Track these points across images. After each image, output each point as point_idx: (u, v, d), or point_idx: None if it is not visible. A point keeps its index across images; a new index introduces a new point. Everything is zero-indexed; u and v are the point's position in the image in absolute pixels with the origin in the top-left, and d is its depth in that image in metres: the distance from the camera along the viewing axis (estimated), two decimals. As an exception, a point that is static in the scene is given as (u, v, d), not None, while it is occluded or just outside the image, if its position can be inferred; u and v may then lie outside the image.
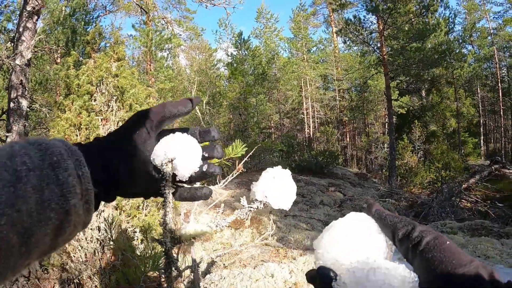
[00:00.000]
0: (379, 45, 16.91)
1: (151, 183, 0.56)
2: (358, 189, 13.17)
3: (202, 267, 4.05)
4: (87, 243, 3.33)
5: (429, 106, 23.93)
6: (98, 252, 3.37)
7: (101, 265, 3.27)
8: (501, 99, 25.13)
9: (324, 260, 0.44)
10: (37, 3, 5.87)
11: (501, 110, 25.67)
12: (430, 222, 8.51)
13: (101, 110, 3.92)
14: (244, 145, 1.29)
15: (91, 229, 3.24)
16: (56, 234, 0.42)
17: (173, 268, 0.59)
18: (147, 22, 15.25)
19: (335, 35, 25.90)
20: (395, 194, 12.50)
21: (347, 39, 18.30)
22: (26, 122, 5.97)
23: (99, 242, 3.37)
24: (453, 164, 15.06)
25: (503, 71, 27.18)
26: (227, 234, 6.17)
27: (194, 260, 1.47)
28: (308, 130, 25.92)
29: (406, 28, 16.39)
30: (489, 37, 26.86)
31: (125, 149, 0.54)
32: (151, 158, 0.55)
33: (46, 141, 0.44)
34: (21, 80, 5.78)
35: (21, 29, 5.86)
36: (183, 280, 2.47)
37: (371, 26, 17.97)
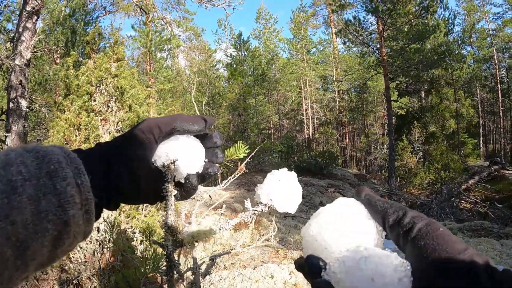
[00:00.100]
0: (378, 46, 16.92)
1: (154, 187, 0.55)
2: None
3: (202, 268, 4.04)
4: (86, 244, 3.32)
5: (428, 107, 23.95)
6: (97, 253, 3.36)
7: (100, 266, 3.26)
8: (500, 100, 25.16)
9: (312, 249, 0.43)
10: (36, 3, 5.86)
11: (501, 111, 25.71)
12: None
13: (100, 110, 3.91)
14: (246, 147, 1.28)
15: (91, 230, 3.22)
16: (55, 246, 0.40)
17: (175, 272, 0.58)
18: (147, 23, 15.24)
19: (334, 36, 25.91)
20: (394, 195, 12.51)
21: (347, 40, 18.31)
22: (26, 122, 5.95)
23: (98, 243, 3.36)
24: (453, 165, 15.05)
25: (503, 72, 27.23)
26: (226, 235, 6.16)
27: (195, 262, 1.46)
28: (307, 131, 25.93)
29: (406, 29, 16.41)
30: (488, 38, 26.92)
31: (130, 155, 0.52)
32: (153, 160, 0.54)
33: (44, 148, 0.42)
34: (21, 80, 5.77)
35: (20, 29, 5.85)
36: (183, 281, 2.46)
37: (370, 27, 18.00)
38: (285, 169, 0.55)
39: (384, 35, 16.34)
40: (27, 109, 6.22)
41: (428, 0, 14.78)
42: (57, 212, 0.39)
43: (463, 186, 11.96)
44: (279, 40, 29.53)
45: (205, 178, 0.60)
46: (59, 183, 0.40)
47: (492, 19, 27.79)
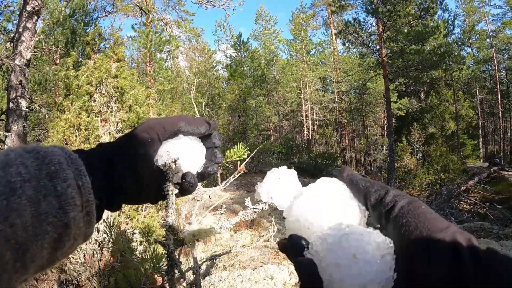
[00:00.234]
0: (378, 47, 16.93)
1: (155, 186, 0.55)
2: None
3: (202, 268, 4.04)
4: (86, 244, 3.32)
5: (428, 108, 23.97)
6: (97, 254, 3.35)
7: (100, 266, 3.26)
8: (499, 101, 25.18)
9: (295, 229, 0.43)
10: (37, 3, 5.86)
11: (500, 112, 25.72)
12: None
13: (100, 111, 3.91)
14: (246, 148, 1.28)
15: (90, 230, 3.22)
16: (55, 248, 0.40)
17: (176, 271, 0.58)
18: (147, 23, 15.24)
19: (334, 37, 25.93)
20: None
21: (347, 41, 18.32)
22: (25, 122, 5.95)
23: (98, 244, 3.36)
24: (452, 166, 15.05)
25: (502, 73, 27.26)
26: (226, 236, 6.15)
27: (195, 262, 1.46)
28: (307, 132, 25.94)
29: (406, 31, 16.42)
30: (488, 40, 26.96)
31: (135, 155, 0.52)
32: (154, 159, 0.54)
33: (45, 149, 0.42)
34: (21, 80, 5.77)
35: (20, 29, 5.85)
36: (183, 282, 2.46)
37: (370, 28, 18.03)
38: (285, 167, 0.55)
39: (384, 37, 16.36)
40: (27, 109, 6.22)
41: (428, 2, 14.80)
42: (58, 214, 0.38)
43: (462, 187, 11.96)
44: (278, 41, 29.54)
45: (204, 177, 0.61)
46: (60, 185, 0.39)
47: (492, 20, 27.85)
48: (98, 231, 3.30)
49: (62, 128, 3.69)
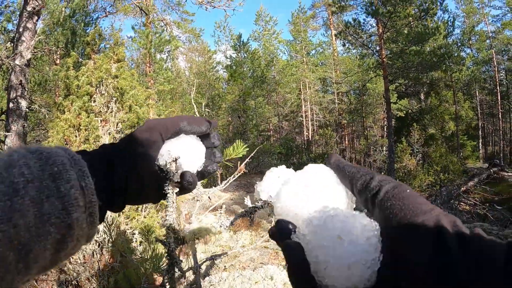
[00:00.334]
0: (378, 48, 16.94)
1: (156, 186, 0.55)
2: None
3: (202, 269, 4.04)
4: (86, 245, 3.31)
5: (427, 109, 23.96)
6: (96, 254, 3.35)
7: (99, 267, 3.26)
8: (499, 102, 25.19)
9: (282, 214, 0.43)
10: (37, 4, 5.87)
11: (500, 113, 25.73)
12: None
13: (100, 111, 3.92)
14: (245, 146, 1.28)
15: (90, 230, 3.22)
16: (57, 249, 0.39)
17: (177, 269, 0.58)
18: (147, 24, 15.26)
19: (334, 38, 25.94)
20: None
21: (347, 42, 18.32)
22: (25, 122, 5.95)
23: (97, 244, 3.35)
24: (452, 167, 15.06)
25: (502, 74, 27.26)
26: (225, 237, 6.15)
27: (196, 262, 1.46)
28: (306, 133, 25.94)
29: (406, 31, 16.43)
30: (487, 41, 26.97)
31: (137, 155, 0.52)
32: (156, 159, 0.54)
33: (48, 149, 0.42)
34: (21, 81, 5.77)
35: (21, 29, 5.85)
36: (184, 282, 2.46)
37: (370, 29, 18.03)
38: (283, 166, 0.55)
39: (384, 37, 16.37)
40: (27, 109, 6.22)
41: (428, 3, 14.81)
42: (61, 215, 0.38)
43: (462, 188, 11.96)
44: (278, 42, 29.54)
45: (204, 175, 0.61)
46: (63, 186, 0.39)
47: (492, 21, 27.86)
48: (98, 231, 3.29)
49: (62, 128, 3.69)
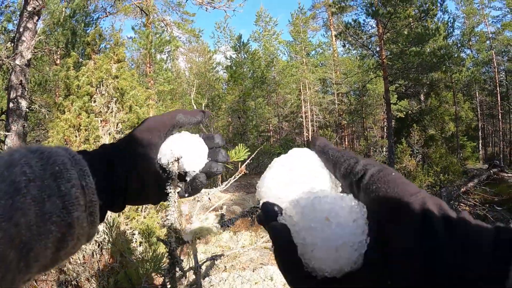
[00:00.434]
0: (378, 49, 16.95)
1: (157, 186, 0.55)
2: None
3: (202, 269, 4.04)
4: (85, 245, 3.31)
5: (427, 110, 23.96)
6: (96, 254, 3.35)
7: (99, 267, 3.26)
8: (499, 103, 25.18)
9: (267, 198, 0.43)
10: (37, 4, 5.87)
11: (500, 114, 25.73)
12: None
13: (100, 111, 3.92)
14: (247, 149, 1.28)
15: (90, 230, 3.21)
16: (58, 248, 0.40)
17: (178, 269, 0.58)
18: (147, 24, 15.27)
19: (334, 38, 25.97)
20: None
21: (347, 42, 18.33)
22: (25, 122, 5.95)
23: (97, 244, 3.35)
24: (452, 168, 15.04)
25: (501, 75, 27.28)
26: (225, 237, 6.15)
27: (196, 261, 1.46)
28: (306, 134, 25.93)
29: (406, 32, 16.44)
30: (487, 42, 26.97)
31: (136, 155, 0.52)
32: (158, 158, 0.54)
33: (49, 149, 0.42)
34: (21, 81, 5.77)
35: (21, 29, 5.85)
36: (184, 282, 2.45)
37: (370, 30, 18.04)
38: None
39: (384, 38, 16.38)
40: (27, 110, 6.22)
41: (428, 4, 14.82)
42: (61, 214, 0.38)
43: (462, 189, 11.97)
44: (278, 43, 29.55)
45: (210, 176, 0.61)
46: (64, 185, 0.39)
47: (491, 22, 27.88)
48: (98, 231, 3.29)
49: (62, 129, 3.69)
